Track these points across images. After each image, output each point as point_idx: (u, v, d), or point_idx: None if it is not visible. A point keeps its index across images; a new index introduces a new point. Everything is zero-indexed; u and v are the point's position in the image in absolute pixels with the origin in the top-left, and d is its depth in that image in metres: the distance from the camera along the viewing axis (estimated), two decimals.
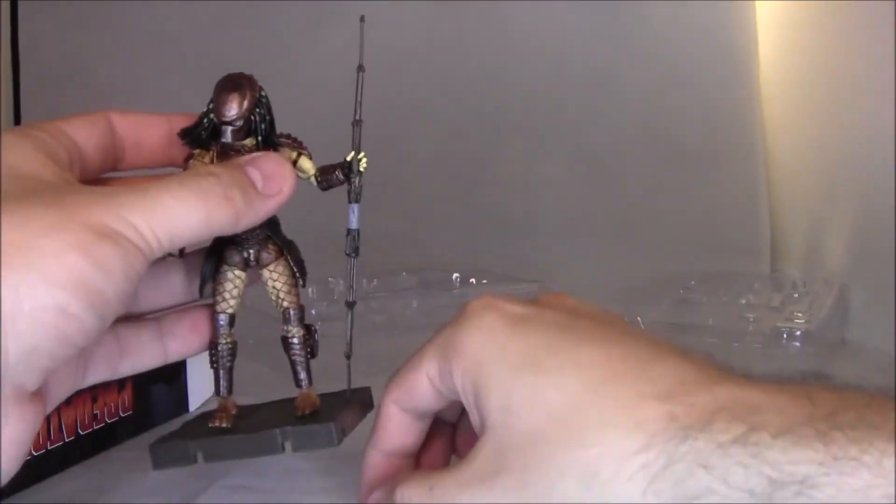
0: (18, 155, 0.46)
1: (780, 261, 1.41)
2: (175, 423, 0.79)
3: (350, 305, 0.59)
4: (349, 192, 0.57)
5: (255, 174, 0.51)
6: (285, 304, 0.58)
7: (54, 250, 0.40)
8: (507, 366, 0.47)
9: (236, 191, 0.49)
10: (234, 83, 0.54)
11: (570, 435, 0.44)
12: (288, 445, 0.56)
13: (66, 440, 0.68)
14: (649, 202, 1.45)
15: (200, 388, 0.82)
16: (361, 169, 0.57)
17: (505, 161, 1.44)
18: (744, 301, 1.03)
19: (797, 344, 0.86)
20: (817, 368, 0.85)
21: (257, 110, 0.54)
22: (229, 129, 0.54)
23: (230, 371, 0.59)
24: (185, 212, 0.46)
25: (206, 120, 0.54)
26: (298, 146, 0.57)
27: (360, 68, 0.57)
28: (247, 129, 0.54)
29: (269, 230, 0.56)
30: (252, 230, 0.54)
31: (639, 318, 0.91)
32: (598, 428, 0.43)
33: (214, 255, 0.57)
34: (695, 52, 1.47)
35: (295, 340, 0.59)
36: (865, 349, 1.03)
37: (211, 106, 0.54)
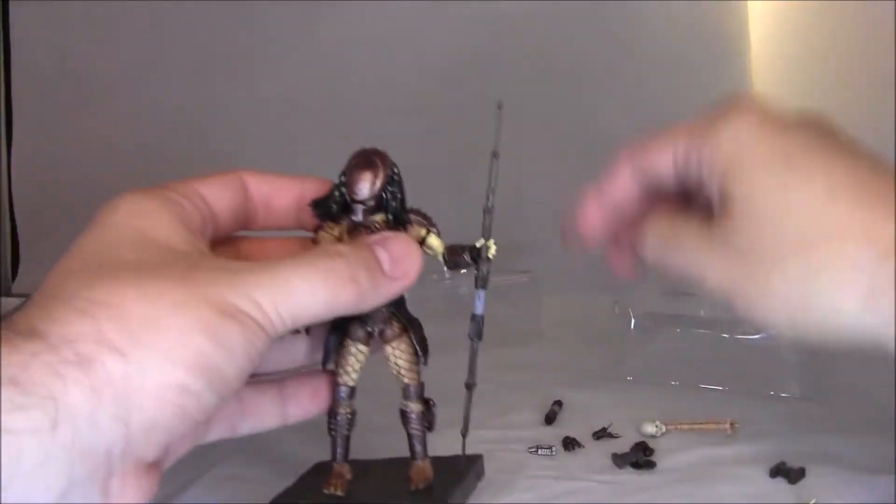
0: (153, 219, 0.48)
1: None
2: None
3: (469, 387, 0.59)
4: (476, 278, 0.58)
5: (383, 255, 0.51)
6: (406, 380, 0.58)
7: (180, 329, 0.41)
8: (760, 159, 0.50)
9: (363, 272, 0.49)
10: (367, 161, 0.55)
11: (803, 229, 0.46)
12: None
13: None
14: None
15: None
16: (490, 256, 0.57)
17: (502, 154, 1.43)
18: None
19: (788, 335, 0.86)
20: (814, 361, 0.86)
21: (389, 188, 0.55)
22: (361, 207, 0.55)
23: (347, 440, 0.59)
24: (311, 293, 0.46)
25: (337, 193, 0.55)
26: (428, 223, 0.57)
27: (496, 155, 0.57)
28: (378, 206, 0.55)
29: (394, 307, 0.57)
30: (377, 308, 0.55)
31: (630, 311, 0.91)
32: (831, 237, 0.45)
33: (339, 328, 0.57)
34: (687, 49, 1.46)
35: (413, 416, 0.59)
36: None
37: (343, 179, 0.55)
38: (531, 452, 0.71)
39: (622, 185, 0.58)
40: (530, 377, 0.89)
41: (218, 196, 0.53)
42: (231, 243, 0.57)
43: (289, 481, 0.63)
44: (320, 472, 0.62)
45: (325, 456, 0.60)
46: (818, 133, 0.51)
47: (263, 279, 0.45)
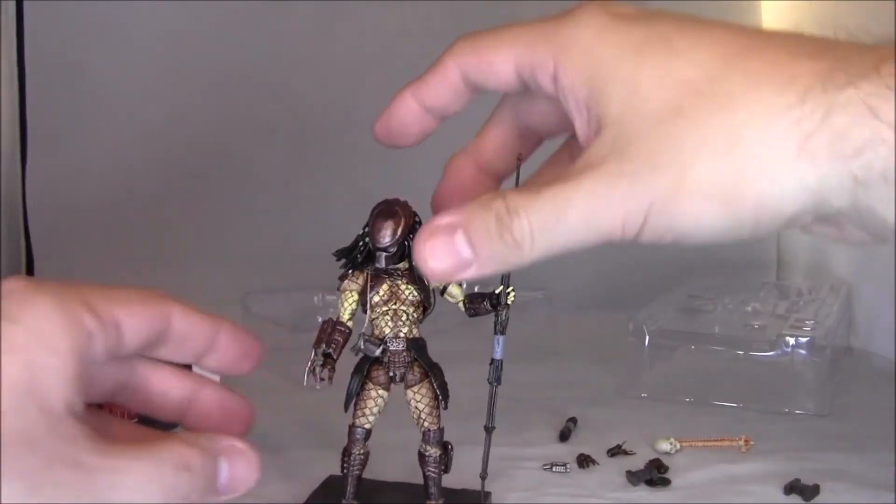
0: (48, 365, 0.39)
1: (785, 268, 1.41)
2: (179, 430, 0.79)
3: (488, 430, 0.59)
4: (496, 324, 0.58)
5: (223, 472, 0.46)
6: (426, 424, 0.59)
7: None
8: (631, 51, 0.43)
9: (201, 488, 0.44)
10: (389, 210, 0.57)
11: (710, 103, 0.40)
12: None
13: None
14: None
15: None
16: (509, 302, 0.57)
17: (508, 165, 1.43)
18: (749, 309, 1.02)
19: (803, 352, 0.86)
20: (826, 377, 0.85)
21: (411, 236, 0.56)
22: (384, 255, 0.56)
23: (359, 479, 0.59)
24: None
25: (361, 244, 0.57)
26: None
27: None
28: (401, 254, 0.57)
29: (416, 353, 0.58)
30: (399, 352, 0.57)
31: (644, 328, 0.91)
32: (744, 90, 0.40)
33: (360, 371, 0.58)
34: None
35: (431, 459, 0.60)
36: (871, 356, 1.03)
37: (366, 230, 0.57)
38: (546, 470, 0.71)
39: (446, 87, 0.52)
40: (545, 394, 0.89)
41: (136, 330, 0.45)
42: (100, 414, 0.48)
43: (300, 498, 0.63)
44: (332, 485, 0.63)
45: (334, 470, 0.61)
46: (679, 17, 0.45)
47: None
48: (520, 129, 0.55)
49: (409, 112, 0.54)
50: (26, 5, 1.40)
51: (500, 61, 0.49)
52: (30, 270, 1.39)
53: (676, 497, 0.67)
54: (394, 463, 0.64)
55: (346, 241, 0.58)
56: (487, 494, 0.62)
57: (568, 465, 0.71)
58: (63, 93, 1.42)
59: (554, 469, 0.71)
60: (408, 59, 1.45)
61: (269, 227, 1.43)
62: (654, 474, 0.69)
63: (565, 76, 0.45)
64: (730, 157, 0.39)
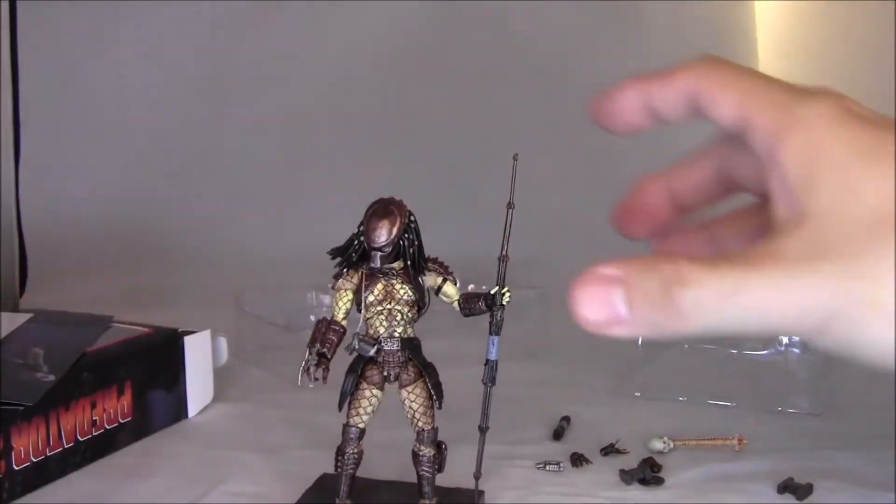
0: None
1: None
2: (174, 430, 0.79)
3: (482, 430, 0.60)
4: (490, 325, 0.58)
5: None
6: (420, 424, 0.59)
7: None
8: (857, 152, 0.42)
9: None
10: (384, 210, 0.56)
11: None
12: None
13: (66, 446, 0.68)
14: None
15: (199, 395, 0.82)
16: (504, 303, 0.58)
17: (502, 162, 1.43)
18: None
19: (796, 350, 0.86)
20: (820, 377, 0.85)
21: (406, 235, 0.57)
22: (378, 254, 0.56)
23: (352, 478, 0.59)
24: None
25: (356, 242, 0.57)
26: (444, 271, 0.59)
27: (510, 205, 0.57)
28: (396, 253, 0.57)
29: (411, 353, 0.58)
30: (393, 352, 0.57)
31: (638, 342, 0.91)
32: None
33: (355, 371, 0.58)
34: (694, 52, 1.46)
35: (425, 459, 0.60)
36: None
37: (361, 229, 0.57)
38: (539, 469, 0.71)
39: (668, 94, 0.51)
40: (538, 392, 0.89)
41: None
42: None
43: (293, 496, 0.63)
44: (325, 484, 0.63)
45: (328, 468, 0.61)
46: None
47: None
48: (720, 173, 0.53)
49: (627, 100, 0.52)
50: (20, 5, 1.40)
51: (726, 101, 0.47)
52: (23, 270, 1.38)
53: (670, 496, 0.67)
54: (387, 462, 0.64)
55: (340, 241, 0.58)
56: (481, 493, 0.62)
57: (561, 464, 0.71)
58: (56, 95, 1.42)
59: (547, 468, 0.71)
60: (402, 60, 1.46)
61: (262, 226, 1.43)
62: (648, 473, 0.69)
63: (784, 152, 0.44)
64: None
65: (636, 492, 0.68)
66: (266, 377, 0.93)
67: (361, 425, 0.59)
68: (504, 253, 0.57)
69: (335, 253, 0.58)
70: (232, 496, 0.66)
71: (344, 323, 0.58)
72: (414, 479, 0.60)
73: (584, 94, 1.50)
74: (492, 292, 0.58)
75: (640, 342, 0.89)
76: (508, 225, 0.57)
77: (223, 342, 0.87)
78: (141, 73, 1.44)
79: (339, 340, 0.58)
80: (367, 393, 0.58)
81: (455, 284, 0.59)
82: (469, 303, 0.59)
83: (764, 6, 1.44)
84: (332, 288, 0.58)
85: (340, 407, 0.58)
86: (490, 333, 0.58)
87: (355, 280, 0.57)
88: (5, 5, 1.39)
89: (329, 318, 0.58)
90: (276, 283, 1.14)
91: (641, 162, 1.49)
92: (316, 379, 0.56)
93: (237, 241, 1.40)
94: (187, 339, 0.81)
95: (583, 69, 1.47)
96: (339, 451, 0.59)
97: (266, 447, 0.75)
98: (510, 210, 0.57)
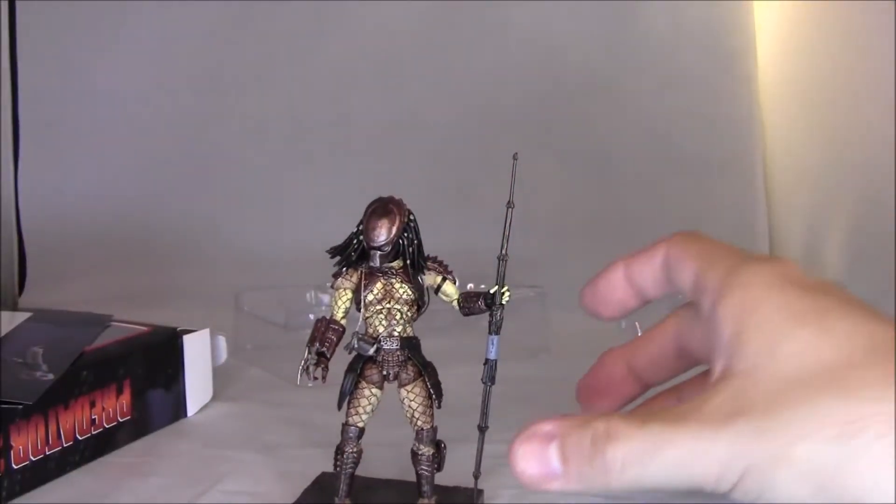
0: None
1: None
2: (173, 429, 0.79)
3: (482, 430, 0.60)
4: (490, 324, 0.58)
5: None
6: (419, 423, 0.59)
7: None
8: (788, 317, 0.44)
9: None
10: (383, 209, 0.56)
11: (842, 389, 0.40)
12: None
13: (65, 445, 0.68)
14: (648, 204, 1.45)
15: (198, 394, 0.82)
16: (504, 302, 0.58)
17: (503, 163, 1.43)
18: None
19: None
20: None
21: (405, 234, 0.57)
22: (378, 253, 0.56)
23: (351, 477, 0.59)
24: None
25: (355, 241, 0.57)
26: (444, 270, 0.59)
27: (510, 205, 0.57)
28: (395, 252, 0.57)
29: (410, 352, 0.58)
30: (393, 351, 0.58)
31: (636, 324, 0.91)
32: (879, 387, 0.40)
33: (354, 370, 0.58)
34: (694, 54, 1.46)
35: (424, 458, 0.60)
36: None
37: (360, 228, 0.57)
38: None
39: (651, 269, 0.55)
40: (537, 391, 0.89)
41: None
42: None
43: (292, 496, 0.63)
44: (324, 483, 0.63)
45: (327, 468, 0.61)
46: (845, 295, 0.47)
47: None
48: (679, 348, 0.57)
49: (617, 280, 0.56)
50: (19, 6, 1.40)
51: (687, 268, 0.51)
52: (21, 269, 1.38)
53: (671, 495, 0.67)
54: (386, 461, 0.64)
55: (339, 240, 0.58)
56: (480, 493, 0.62)
57: None
58: (55, 94, 1.42)
59: None
60: (400, 60, 1.46)
61: (261, 225, 1.43)
62: None
63: (721, 310, 0.47)
64: (840, 447, 0.39)
65: (637, 491, 0.68)
66: (265, 376, 0.93)
67: (361, 424, 0.59)
68: (504, 252, 0.57)
69: (334, 252, 0.58)
70: (231, 495, 0.66)
71: (343, 322, 0.58)
72: (412, 478, 0.60)
73: (584, 94, 1.50)
74: (491, 291, 0.58)
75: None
76: (508, 224, 0.57)
77: (222, 341, 0.87)
78: (141, 73, 1.44)
79: (339, 340, 0.58)
80: (367, 392, 0.58)
81: (454, 283, 0.59)
82: (468, 302, 0.59)
83: (764, 6, 1.44)
84: (331, 287, 0.58)
85: (340, 406, 0.58)
86: (490, 333, 0.58)
87: (354, 279, 0.57)
88: (5, 5, 1.39)
89: (328, 318, 0.58)
90: (275, 283, 1.14)
91: (641, 162, 1.50)
92: (315, 378, 0.56)
93: (236, 240, 1.40)
94: (186, 338, 0.81)
95: (583, 69, 1.47)
96: (339, 451, 0.59)
97: (265, 446, 0.75)
98: (510, 209, 0.57)
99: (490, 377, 0.58)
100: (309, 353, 0.57)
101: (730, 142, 1.47)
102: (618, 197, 1.46)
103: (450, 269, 0.59)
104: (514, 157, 0.57)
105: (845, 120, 1.15)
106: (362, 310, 0.58)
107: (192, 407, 0.82)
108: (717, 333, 0.47)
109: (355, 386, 0.58)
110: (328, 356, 0.57)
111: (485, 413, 0.59)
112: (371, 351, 0.58)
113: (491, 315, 0.58)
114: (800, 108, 1.36)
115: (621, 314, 0.57)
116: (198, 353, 0.82)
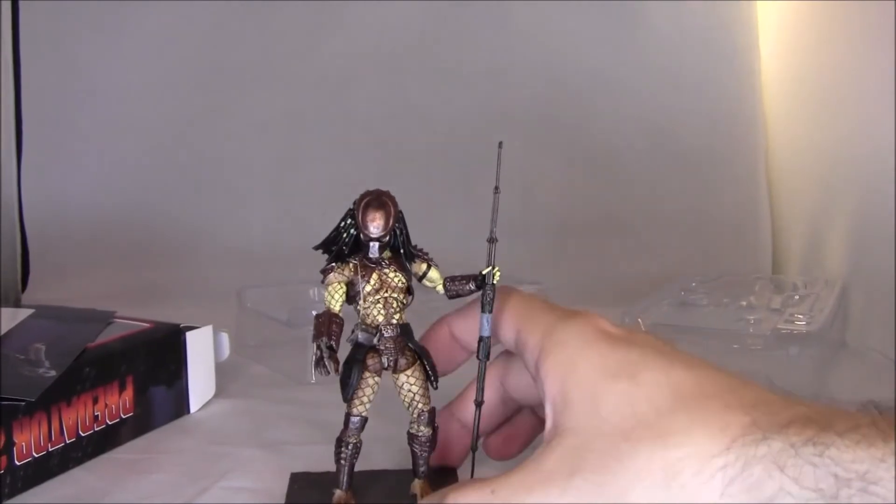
0: None
1: (780, 263, 1.41)
2: (175, 425, 0.79)
3: (478, 405, 0.61)
4: (483, 303, 0.59)
5: None
6: (419, 406, 0.61)
7: None
8: (603, 373, 0.49)
9: None
10: (378, 201, 0.57)
11: (656, 437, 0.45)
12: None
13: (67, 442, 0.68)
14: (650, 203, 1.45)
15: (200, 391, 0.82)
16: (494, 282, 0.59)
17: (504, 161, 1.42)
18: (744, 303, 1.02)
19: (798, 346, 0.86)
20: (820, 372, 0.85)
21: (397, 225, 0.58)
22: (377, 244, 0.57)
23: (353, 468, 0.60)
24: None
25: (346, 235, 0.58)
26: (428, 258, 0.61)
27: (497, 190, 0.59)
28: (387, 243, 0.58)
29: (406, 338, 0.60)
30: (393, 339, 0.59)
31: (639, 320, 0.91)
32: (685, 431, 0.45)
33: (358, 361, 0.59)
34: (696, 53, 1.46)
35: (423, 439, 0.61)
36: (866, 351, 1.03)
37: (350, 221, 0.58)
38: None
39: (443, 346, 0.63)
40: None
41: None
42: None
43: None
44: (300, 482, 0.64)
45: (328, 464, 0.61)
46: (651, 342, 0.52)
47: None
48: (503, 395, 0.63)
49: (444, 337, 0.63)
50: (22, 5, 1.40)
51: (507, 325, 0.58)
52: (25, 266, 1.38)
53: None
54: (377, 453, 0.66)
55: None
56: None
57: None
58: (58, 92, 1.42)
59: None
60: (401, 58, 1.46)
61: (264, 222, 1.43)
62: None
63: (544, 370, 0.52)
64: (666, 490, 0.44)
65: None
66: (268, 373, 0.93)
67: (365, 413, 0.59)
68: (492, 235, 0.59)
69: (326, 246, 0.59)
70: (233, 491, 0.66)
71: (341, 315, 0.58)
72: (404, 466, 0.62)
73: (586, 92, 1.50)
74: (483, 272, 0.59)
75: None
76: (495, 209, 0.59)
77: (225, 338, 0.87)
78: (143, 71, 1.44)
79: (341, 332, 0.58)
80: (370, 381, 0.59)
81: (438, 268, 0.61)
82: (455, 284, 0.60)
83: (767, 4, 1.44)
84: (322, 283, 0.59)
85: (346, 398, 0.59)
86: (482, 311, 0.59)
87: (346, 272, 0.58)
88: (7, 3, 1.39)
89: (329, 312, 0.58)
90: (277, 279, 1.14)
91: (644, 159, 1.49)
92: (328, 372, 0.56)
93: (239, 237, 1.40)
94: (189, 335, 0.81)
95: (585, 67, 1.47)
96: (342, 442, 0.60)
97: (267, 442, 0.75)
98: (497, 194, 0.59)
99: (485, 354, 0.60)
100: (318, 348, 0.57)
101: (732, 140, 1.47)
102: (619, 195, 1.46)
103: (430, 256, 0.61)
104: (500, 146, 0.59)
105: (848, 118, 1.15)
106: (360, 301, 0.59)
107: (194, 403, 0.82)
108: (544, 391, 0.52)
109: (359, 377, 0.59)
110: (336, 349, 0.57)
111: (480, 388, 0.60)
112: (374, 340, 0.58)
113: (483, 294, 0.59)
114: (802, 106, 1.36)
115: (454, 367, 0.64)
116: (200, 349, 0.82)
